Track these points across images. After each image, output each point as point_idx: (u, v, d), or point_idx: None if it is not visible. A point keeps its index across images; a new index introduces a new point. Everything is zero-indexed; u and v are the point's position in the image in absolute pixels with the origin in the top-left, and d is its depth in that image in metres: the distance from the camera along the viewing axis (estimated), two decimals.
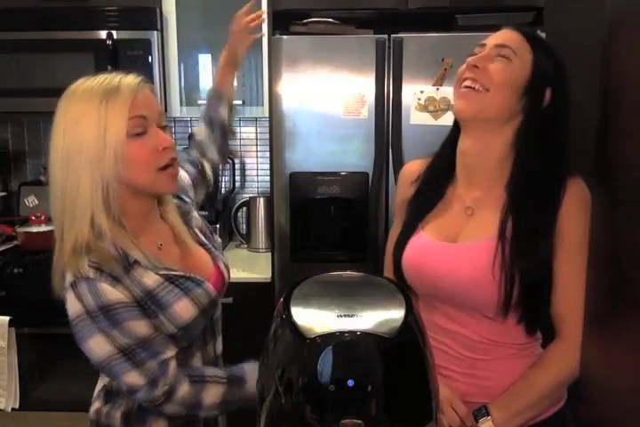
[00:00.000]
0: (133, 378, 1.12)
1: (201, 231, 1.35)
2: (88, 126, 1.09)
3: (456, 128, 1.30)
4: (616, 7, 0.84)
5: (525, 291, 1.18)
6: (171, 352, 1.17)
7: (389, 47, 2.09)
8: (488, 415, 1.18)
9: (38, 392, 2.26)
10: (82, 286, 1.09)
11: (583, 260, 1.17)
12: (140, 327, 1.13)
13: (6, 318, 2.13)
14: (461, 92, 1.21)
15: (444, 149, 1.33)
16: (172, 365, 1.16)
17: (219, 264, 1.32)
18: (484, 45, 1.23)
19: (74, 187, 1.10)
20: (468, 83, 1.19)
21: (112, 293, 1.10)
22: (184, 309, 1.18)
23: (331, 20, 2.24)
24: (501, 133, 1.23)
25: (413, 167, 1.40)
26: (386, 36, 2.09)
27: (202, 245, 1.33)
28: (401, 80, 2.10)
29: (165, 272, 1.19)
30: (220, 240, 1.42)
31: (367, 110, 2.13)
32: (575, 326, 1.18)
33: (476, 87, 1.19)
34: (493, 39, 1.23)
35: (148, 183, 1.15)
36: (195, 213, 1.37)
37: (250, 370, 1.23)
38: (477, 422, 1.18)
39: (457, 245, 1.25)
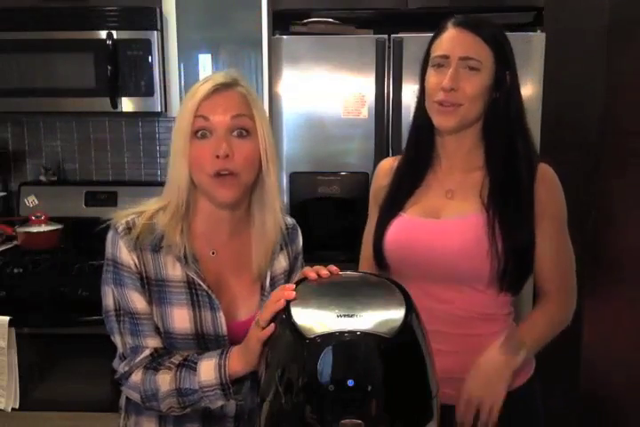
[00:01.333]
0: (117, 342, 1.17)
1: (273, 277, 1.25)
2: (177, 119, 1.18)
3: (423, 115, 1.33)
4: (616, 7, 0.84)
5: (515, 260, 1.26)
6: (152, 343, 1.15)
7: (389, 47, 2.09)
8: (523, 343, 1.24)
9: (38, 392, 2.26)
10: (110, 233, 1.18)
11: (560, 229, 1.31)
12: (137, 301, 1.15)
13: (6, 318, 2.13)
14: (440, 110, 1.27)
15: (419, 134, 1.37)
16: (144, 355, 1.14)
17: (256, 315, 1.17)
18: (446, 57, 1.26)
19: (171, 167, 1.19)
20: (445, 104, 1.25)
21: (125, 253, 1.15)
22: (179, 317, 1.15)
23: (331, 20, 2.24)
24: (474, 124, 1.31)
25: (389, 162, 1.45)
26: (386, 36, 2.09)
27: (262, 288, 1.24)
28: (401, 80, 2.10)
29: (193, 275, 1.16)
30: None
31: (367, 110, 2.13)
32: (561, 286, 1.32)
33: (450, 105, 1.25)
34: (456, 50, 1.25)
35: (201, 185, 1.16)
36: (282, 260, 1.27)
37: (205, 362, 1.10)
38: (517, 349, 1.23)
39: (442, 221, 1.30)
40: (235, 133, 1.14)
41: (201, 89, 1.15)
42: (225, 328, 1.17)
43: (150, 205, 1.21)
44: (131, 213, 1.19)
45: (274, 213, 1.22)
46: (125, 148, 2.83)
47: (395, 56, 2.09)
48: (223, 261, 1.21)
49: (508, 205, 1.27)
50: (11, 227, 2.60)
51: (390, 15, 2.25)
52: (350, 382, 0.80)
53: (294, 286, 0.97)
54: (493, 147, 1.31)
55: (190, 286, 1.16)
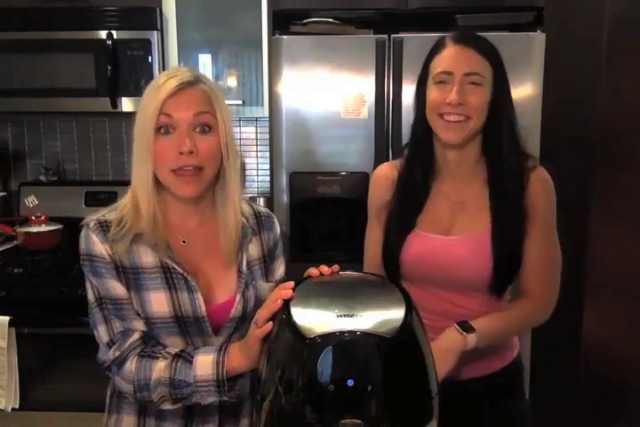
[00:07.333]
0: (101, 332, 1.17)
1: (248, 262, 1.27)
2: (139, 114, 1.20)
3: (423, 130, 1.37)
4: (616, 7, 0.84)
5: (505, 266, 1.34)
6: (138, 325, 1.17)
7: (389, 47, 2.09)
8: (473, 329, 1.26)
9: (38, 392, 2.26)
10: (82, 231, 1.20)
11: (550, 231, 1.36)
12: (117, 288, 1.17)
13: (6, 318, 2.13)
14: (446, 125, 1.31)
15: (419, 149, 1.40)
16: (134, 338, 1.15)
17: (236, 296, 1.23)
18: (450, 74, 1.29)
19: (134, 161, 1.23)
20: (452, 118, 1.30)
21: (98, 245, 1.17)
22: (157, 301, 1.17)
23: (331, 20, 2.24)
24: (476, 137, 1.35)
25: (386, 171, 1.46)
26: (386, 36, 2.09)
27: (239, 271, 1.25)
28: (401, 80, 2.10)
29: (167, 260, 1.18)
30: (268, 286, 1.28)
31: (367, 110, 2.13)
32: (544, 288, 1.36)
33: (460, 119, 1.30)
34: (460, 66, 1.29)
35: (164, 180, 1.18)
36: (255, 246, 1.29)
37: (202, 357, 1.12)
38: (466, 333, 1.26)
39: (455, 239, 1.36)
40: (197, 130, 1.17)
41: (166, 86, 1.15)
42: (204, 309, 1.19)
43: (119, 202, 1.24)
44: (101, 212, 1.22)
45: (234, 204, 1.24)
46: (125, 148, 2.84)
47: (395, 56, 2.09)
48: (194, 249, 1.24)
49: (509, 217, 1.34)
50: (11, 227, 2.60)
51: (390, 15, 2.25)
52: (350, 382, 0.80)
53: (293, 284, 0.97)
54: (495, 159, 1.35)
55: (165, 270, 1.18)
